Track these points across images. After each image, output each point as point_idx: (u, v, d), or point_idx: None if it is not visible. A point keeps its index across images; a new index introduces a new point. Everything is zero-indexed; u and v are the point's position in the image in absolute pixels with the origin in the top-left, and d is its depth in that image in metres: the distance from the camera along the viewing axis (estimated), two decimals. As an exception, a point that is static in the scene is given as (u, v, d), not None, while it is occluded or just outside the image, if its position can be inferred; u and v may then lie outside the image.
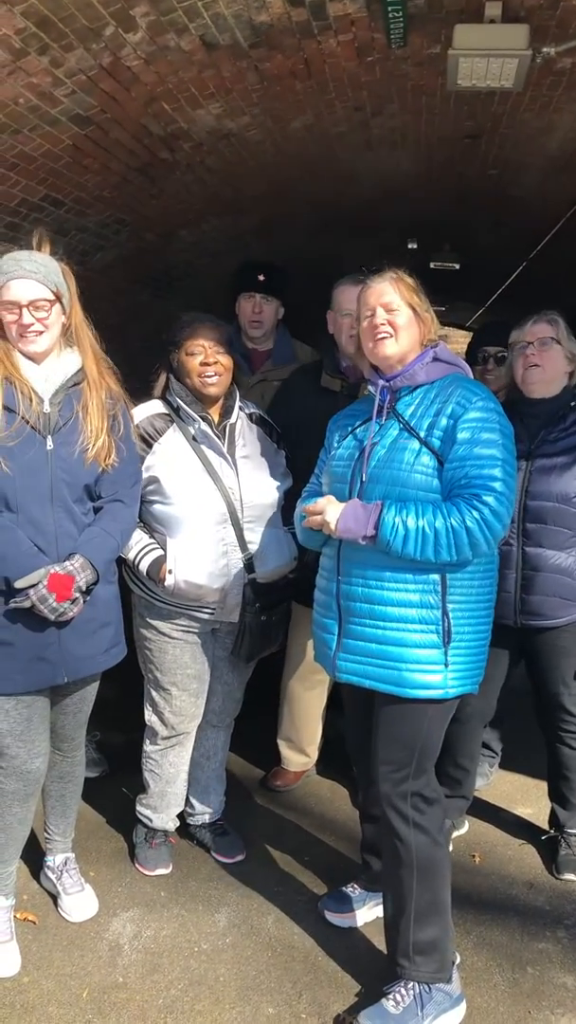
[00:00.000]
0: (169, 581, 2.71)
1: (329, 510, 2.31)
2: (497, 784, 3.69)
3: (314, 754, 3.67)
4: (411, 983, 2.39)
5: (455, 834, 3.27)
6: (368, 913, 2.81)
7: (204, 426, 2.77)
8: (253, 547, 2.81)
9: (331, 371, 3.21)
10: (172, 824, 3.10)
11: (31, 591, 2.32)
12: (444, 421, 2.26)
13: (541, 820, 3.33)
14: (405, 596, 2.27)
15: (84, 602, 2.43)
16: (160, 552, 2.74)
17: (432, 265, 7.59)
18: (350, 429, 2.47)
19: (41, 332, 2.38)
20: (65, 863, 2.90)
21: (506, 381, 3.14)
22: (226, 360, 2.77)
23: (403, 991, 2.39)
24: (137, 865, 3.08)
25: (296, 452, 3.00)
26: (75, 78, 2.87)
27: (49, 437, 2.40)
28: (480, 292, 10.61)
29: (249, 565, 2.79)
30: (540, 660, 2.96)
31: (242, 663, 3.01)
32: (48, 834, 2.89)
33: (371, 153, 4.64)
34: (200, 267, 5.78)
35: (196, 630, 2.88)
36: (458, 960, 2.51)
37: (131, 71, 2.97)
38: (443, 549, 2.18)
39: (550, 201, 5.29)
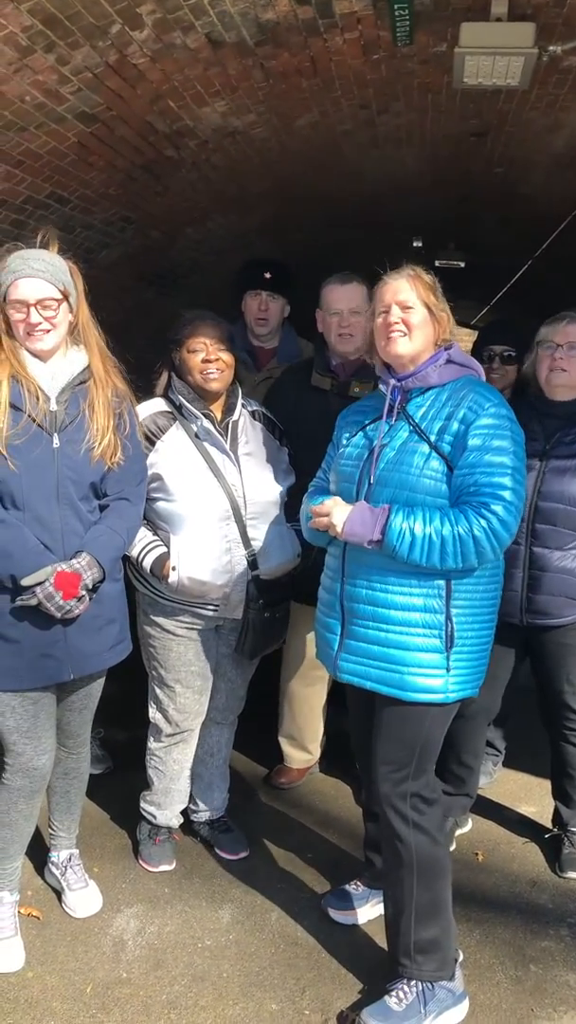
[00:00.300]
0: (173, 578, 2.71)
1: (336, 512, 2.28)
2: (501, 782, 3.69)
3: (316, 751, 3.68)
4: (414, 980, 2.40)
5: (458, 832, 3.28)
6: (371, 910, 2.82)
7: (206, 423, 2.77)
8: (256, 544, 2.81)
9: (321, 370, 3.21)
10: (176, 821, 3.11)
11: (37, 589, 2.33)
12: (455, 426, 2.23)
13: (544, 818, 3.33)
14: (409, 600, 2.26)
15: (90, 600, 2.44)
16: (163, 549, 2.75)
17: (437, 263, 7.59)
18: (359, 427, 2.45)
19: (49, 331, 2.38)
20: (69, 859, 2.91)
21: (529, 374, 3.02)
22: (227, 357, 2.77)
23: (406, 988, 2.39)
24: (141, 861, 3.09)
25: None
26: (81, 76, 2.87)
27: (55, 435, 2.40)
28: (485, 290, 10.59)
29: (252, 562, 2.80)
30: (545, 658, 2.97)
31: (245, 660, 3.01)
32: (53, 830, 2.90)
33: (377, 151, 4.65)
34: (205, 264, 5.78)
35: (200, 627, 2.89)
36: (461, 957, 2.52)
37: (137, 69, 2.97)
38: (449, 557, 2.17)
39: (556, 199, 5.29)
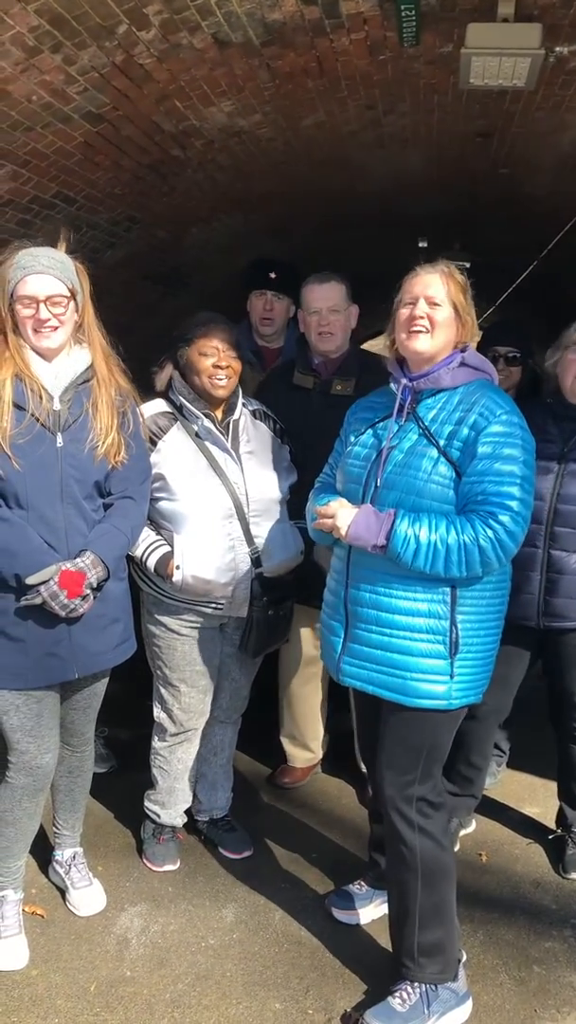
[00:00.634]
0: (177, 577, 2.72)
1: (341, 515, 2.25)
2: (505, 783, 3.69)
3: (319, 749, 3.68)
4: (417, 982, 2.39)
5: (462, 832, 3.28)
6: (374, 911, 2.82)
7: (207, 423, 2.78)
8: (260, 541, 2.82)
9: (303, 368, 3.23)
10: (180, 820, 3.12)
11: (42, 588, 2.33)
12: (465, 431, 2.20)
13: (548, 819, 3.33)
14: (413, 605, 2.24)
15: (94, 598, 2.44)
16: (167, 548, 2.75)
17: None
18: (368, 424, 2.41)
19: (56, 328, 2.39)
20: (73, 858, 2.91)
21: (550, 373, 2.97)
22: (237, 365, 2.78)
23: (409, 989, 2.39)
24: (145, 860, 3.09)
25: None
26: (88, 76, 2.87)
27: (59, 434, 2.41)
28: (490, 291, 10.57)
29: (256, 559, 2.80)
30: (560, 660, 2.96)
31: (249, 659, 3.02)
32: (57, 829, 2.91)
33: (382, 151, 4.64)
34: (211, 264, 5.78)
35: (204, 626, 2.89)
36: (464, 958, 2.52)
37: (143, 69, 2.98)
38: (454, 565, 2.15)
39: (561, 199, 5.27)
